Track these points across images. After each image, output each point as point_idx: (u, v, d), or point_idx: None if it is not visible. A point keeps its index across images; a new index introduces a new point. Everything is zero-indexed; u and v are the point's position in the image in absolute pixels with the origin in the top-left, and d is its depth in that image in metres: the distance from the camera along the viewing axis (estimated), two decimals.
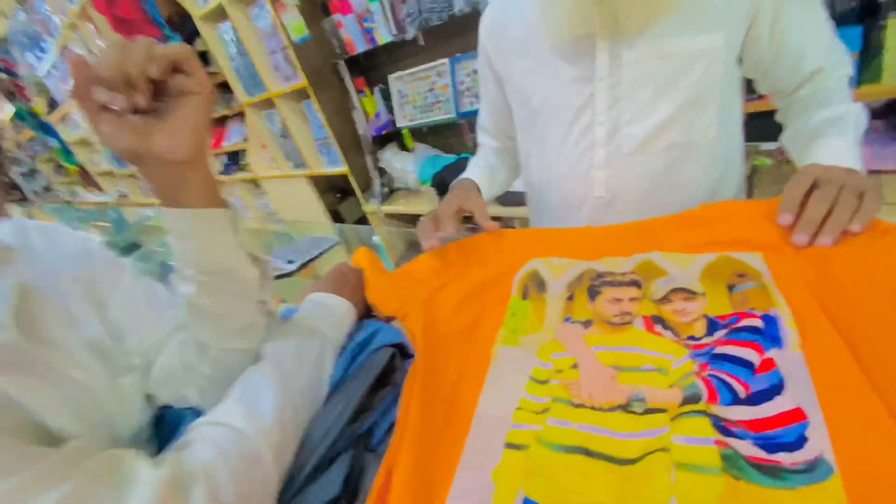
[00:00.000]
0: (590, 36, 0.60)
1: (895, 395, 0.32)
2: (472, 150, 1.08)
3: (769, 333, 0.40)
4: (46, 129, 4.57)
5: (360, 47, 1.82)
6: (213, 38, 2.23)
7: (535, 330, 0.52)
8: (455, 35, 1.65)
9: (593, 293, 0.53)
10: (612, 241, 0.59)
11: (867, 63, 1.06)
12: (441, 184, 1.91)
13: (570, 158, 0.70)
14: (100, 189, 5.02)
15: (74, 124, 4.29)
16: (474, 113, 0.91)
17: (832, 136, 0.57)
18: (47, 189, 5.77)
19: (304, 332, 0.49)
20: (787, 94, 0.66)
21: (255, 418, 0.39)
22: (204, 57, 2.57)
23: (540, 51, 0.67)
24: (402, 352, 0.50)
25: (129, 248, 2.27)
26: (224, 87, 2.55)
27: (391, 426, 0.41)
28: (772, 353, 0.38)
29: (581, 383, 0.43)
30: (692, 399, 0.37)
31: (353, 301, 0.57)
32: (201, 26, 2.21)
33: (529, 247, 0.64)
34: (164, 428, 0.48)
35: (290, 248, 1.07)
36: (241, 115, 2.65)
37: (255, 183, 2.95)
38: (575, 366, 0.45)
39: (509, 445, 0.40)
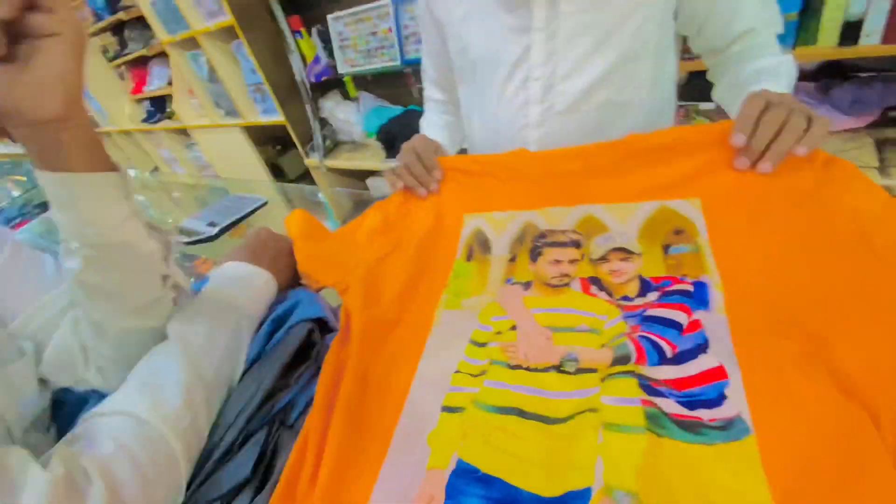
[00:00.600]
0: None
1: (827, 339, 0.33)
2: (419, 100, 1.02)
3: (698, 296, 0.41)
4: None
5: None
6: None
7: (478, 292, 0.51)
8: None
9: (535, 254, 0.53)
10: (552, 184, 0.57)
11: (804, 24, 1.09)
12: (388, 137, 1.82)
13: (505, 116, 0.69)
14: (12, 139, 4.42)
15: None
16: (420, 61, 0.85)
17: (766, 83, 0.57)
18: None
19: (217, 307, 0.45)
20: (719, 52, 0.66)
21: (159, 405, 0.35)
22: None
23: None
24: (324, 326, 0.47)
25: (44, 205, 2.04)
26: (141, 22, 2.25)
27: (309, 403, 0.39)
28: (699, 314, 0.39)
29: (517, 344, 0.43)
30: (622, 360, 0.38)
31: (273, 271, 0.52)
32: None
33: (471, 194, 0.62)
34: (65, 413, 0.43)
35: (211, 208, 0.96)
36: (163, 55, 2.36)
37: (184, 133, 2.69)
38: (513, 328, 0.45)
39: (446, 409, 0.40)
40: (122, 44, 2.58)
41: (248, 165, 2.38)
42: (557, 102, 0.64)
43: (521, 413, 0.37)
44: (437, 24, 0.73)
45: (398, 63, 1.72)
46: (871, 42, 1.02)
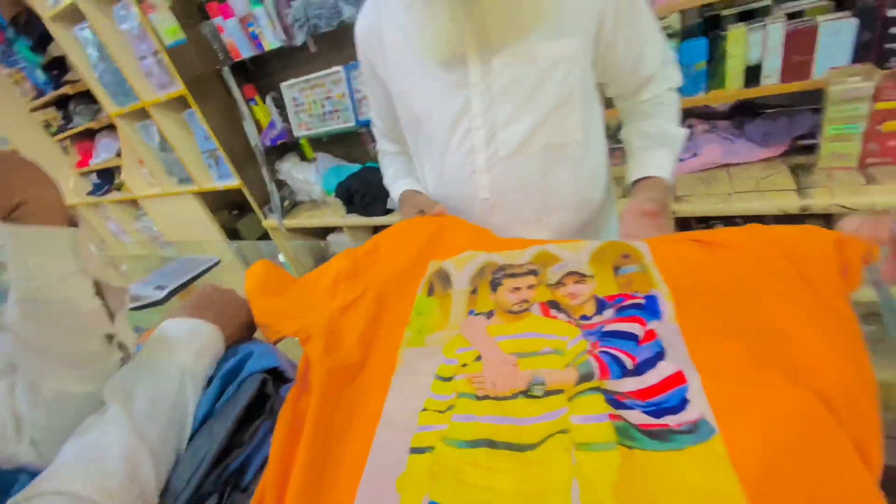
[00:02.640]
0: (458, 45, 0.63)
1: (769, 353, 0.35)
2: (375, 157, 1.05)
3: (650, 308, 0.42)
4: None
5: (245, 53, 1.70)
6: (69, 41, 1.96)
7: (441, 327, 0.51)
8: (347, 42, 1.60)
9: (495, 285, 0.53)
10: (509, 241, 0.62)
11: (713, 71, 1.23)
12: (347, 193, 1.84)
13: (454, 163, 0.73)
14: None
15: None
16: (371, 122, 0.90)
17: (661, 150, 0.72)
18: None
19: (157, 366, 0.42)
20: (628, 97, 0.76)
21: (101, 480, 0.32)
22: (61, 63, 2.24)
23: (416, 58, 0.68)
24: (279, 377, 0.45)
25: None
26: (87, 96, 2.24)
27: (265, 461, 0.36)
28: (653, 324, 0.40)
29: (484, 374, 0.42)
30: (586, 377, 0.38)
31: (219, 324, 0.50)
32: (53, 28, 1.93)
33: (438, 246, 0.63)
34: None
35: (160, 271, 0.91)
36: (111, 127, 2.34)
37: (133, 203, 2.62)
38: (478, 358, 0.44)
39: (414, 450, 0.38)
40: (67, 118, 2.54)
41: (203, 232, 2.32)
42: (501, 148, 0.69)
43: (492, 444, 0.36)
44: (380, 83, 0.77)
45: (353, 124, 1.78)
46: (771, 82, 1.17)
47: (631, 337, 0.40)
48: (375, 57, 0.74)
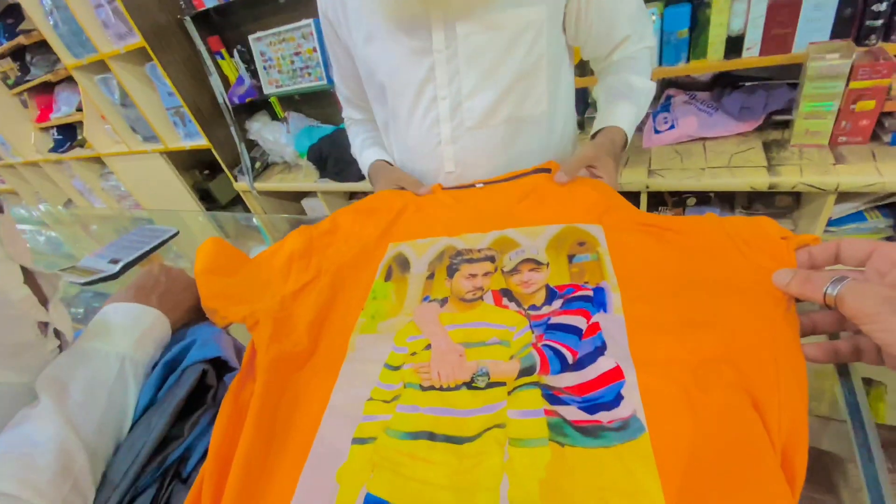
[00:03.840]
0: (421, 9, 0.60)
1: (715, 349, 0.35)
2: None
3: (597, 300, 0.42)
4: None
5: (209, 2, 1.58)
6: None
7: (395, 313, 0.50)
8: None
9: (452, 271, 0.53)
10: (470, 216, 0.61)
11: (695, 40, 1.19)
12: (320, 157, 1.79)
13: (419, 134, 0.71)
14: None
15: None
16: None
17: (623, 102, 0.70)
18: None
19: (95, 354, 0.40)
20: (602, 59, 0.74)
21: (29, 475, 0.31)
22: (16, 10, 2.06)
23: (378, 22, 0.65)
24: (224, 366, 0.44)
25: None
26: (44, 46, 2.08)
27: (207, 452, 0.36)
28: (598, 317, 0.41)
29: (431, 364, 0.42)
30: (528, 371, 0.38)
31: (163, 308, 0.48)
32: None
33: (396, 227, 0.62)
34: None
35: (115, 244, 0.86)
36: (71, 80, 2.19)
37: (98, 161, 2.50)
38: (428, 347, 0.44)
39: (357, 440, 0.38)
40: (24, 69, 2.37)
41: (172, 193, 2.24)
42: (466, 119, 0.66)
43: (432, 436, 0.36)
44: (342, 46, 0.73)
45: (325, 82, 1.70)
46: (751, 55, 1.14)
47: (574, 331, 0.40)
48: (337, 19, 0.69)
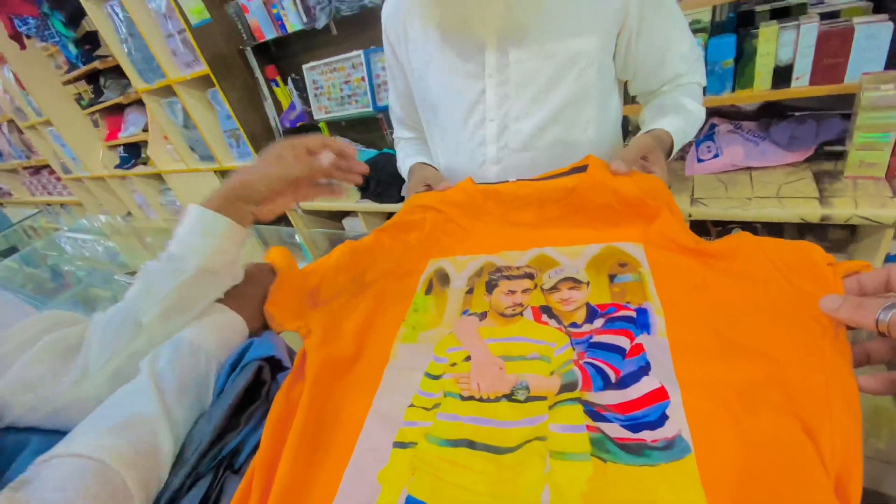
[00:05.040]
0: (476, 34, 0.63)
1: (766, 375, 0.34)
2: (391, 144, 1.06)
3: (640, 321, 0.42)
4: None
5: (268, 34, 1.71)
6: (101, 17, 2.00)
7: (435, 325, 0.52)
8: (368, 27, 1.61)
9: (491, 286, 0.54)
10: (509, 232, 0.62)
11: (741, 69, 1.19)
12: (362, 179, 1.85)
13: (465, 152, 0.73)
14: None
15: None
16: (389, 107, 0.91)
17: (669, 116, 0.69)
18: None
19: (192, 350, 0.44)
20: (650, 94, 0.75)
21: (124, 449, 0.34)
22: (93, 38, 2.29)
23: (436, 46, 0.69)
24: (277, 365, 0.46)
25: (7, 252, 1.97)
26: (117, 71, 2.29)
27: (258, 445, 0.38)
28: (641, 338, 0.41)
29: (470, 375, 0.43)
30: (569, 387, 0.39)
31: (249, 313, 0.53)
32: (86, 4, 1.97)
33: (436, 243, 0.64)
34: (2, 459, 0.40)
35: None
36: (139, 103, 2.39)
37: (158, 178, 2.69)
38: (468, 359, 0.45)
39: (398, 444, 0.39)
40: (98, 92, 2.61)
41: None
42: (512, 141, 0.69)
43: (472, 444, 0.37)
44: (401, 68, 0.78)
45: (371, 109, 1.78)
46: (801, 84, 1.12)
47: (617, 350, 0.40)
48: (398, 42, 0.75)
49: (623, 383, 0.37)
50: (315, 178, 0.58)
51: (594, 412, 0.36)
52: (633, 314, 0.43)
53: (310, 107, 1.94)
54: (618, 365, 0.39)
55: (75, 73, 2.51)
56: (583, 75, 0.65)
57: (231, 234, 0.51)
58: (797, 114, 1.26)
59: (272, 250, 0.63)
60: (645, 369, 0.38)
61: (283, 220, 2.33)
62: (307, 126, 2.02)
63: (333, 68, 1.81)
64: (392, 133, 0.97)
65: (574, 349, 0.42)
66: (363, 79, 1.76)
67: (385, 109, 1.76)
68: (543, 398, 0.39)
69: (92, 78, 2.59)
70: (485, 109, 0.68)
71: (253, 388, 0.43)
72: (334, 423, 0.42)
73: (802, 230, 1.28)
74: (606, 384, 0.38)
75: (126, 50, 2.05)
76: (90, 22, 2.07)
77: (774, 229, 1.31)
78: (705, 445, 0.32)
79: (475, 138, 0.71)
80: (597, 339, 0.42)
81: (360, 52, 1.71)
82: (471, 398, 0.41)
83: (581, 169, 0.62)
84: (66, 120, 2.74)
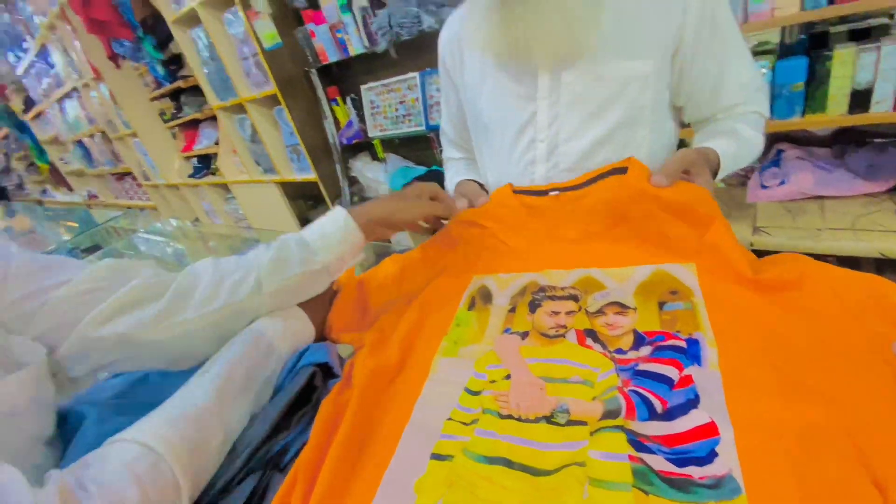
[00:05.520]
0: (530, 57, 0.64)
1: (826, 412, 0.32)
2: (441, 162, 1.09)
3: (691, 352, 0.41)
4: (21, 128, 4.44)
5: (332, 57, 1.82)
6: (186, 41, 2.20)
7: (476, 341, 0.52)
8: (425, 50, 1.67)
9: (534, 306, 0.54)
10: (554, 249, 0.62)
11: (812, 93, 1.12)
12: None
13: (514, 172, 0.74)
14: (69, 188, 4.86)
15: (47, 122, 4.15)
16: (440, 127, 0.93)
17: (727, 140, 0.65)
18: (19, 187, 5.57)
19: (265, 346, 0.47)
20: (705, 121, 0.72)
21: (179, 442, 0.37)
22: (178, 59, 2.53)
23: (490, 68, 0.71)
24: (328, 371, 0.48)
25: (91, 249, 2.18)
26: (196, 90, 2.51)
27: (303, 447, 0.40)
28: (691, 369, 0.39)
29: (510, 394, 0.43)
30: (612, 414, 0.38)
31: (316, 322, 0.55)
32: (174, 30, 2.18)
33: (480, 259, 0.65)
34: (68, 429, 0.44)
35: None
36: (213, 118, 2.60)
37: (225, 187, 2.89)
38: (508, 377, 0.45)
39: (435, 456, 0.39)
40: (178, 108, 2.86)
41: (280, 217, 2.52)
42: (562, 161, 0.69)
43: (509, 463, 0.37)
44: (455, 90, 0.80)
45: (423, 128, 1.84)
46: (881, 109, 1.04)
47: (665, 380, 0.39)
48: (454, 64, 0.77)
49: (670, 415, 0.36)
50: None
51: (638, 442, 0.35)
52: (683, 344, 0.42)
53: (365, 125, 2.03)
54: (665, 395, 0.38)
55: (161, 91, 2.78)
56: (636, 99, 0.64)
57: (357, 249, 0.57)
58: (877, 141, 1.16)
59: None
60: (694, 402, 0.36)
61: None
62: (362, 143, 2.12)
63: (390, 89, 1.89)
64: (441, 152, 1.00)
65: (619, 376, 0.41)
66: (417, 99, 1.82)
67: (436, 129, 1.81)
68: (584, 423, 0.38)
69: (174, 95, 2.86)
70: (535, 130, 0.69)
71: (305, 391, 0.45)
72: (376, 430, 0.43)
73: (882, 266, 1.17)
74: (652, 414, 0.36)
75: (205, 71, 2.25)
76: (177, 45, 2.30)
77: (848, 263, 1.21)
78: (759, 488, 0.30)
79: (525, 158, 0.71)
80: (643, 367, 0.41)
81: (416, 73, 1.77)
82: (509, 417, 0.41)
83: (621, 170, 0.61)
84: (149, 132, 3.03)
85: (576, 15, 0.60)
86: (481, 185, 0.82)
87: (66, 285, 0.43)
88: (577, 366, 0.44)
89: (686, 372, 0.39)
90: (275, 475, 0.39)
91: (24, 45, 3.50)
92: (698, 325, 0.43)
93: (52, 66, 3.42)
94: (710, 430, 0.34)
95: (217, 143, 2.70)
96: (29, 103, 4.19)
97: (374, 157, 2.22)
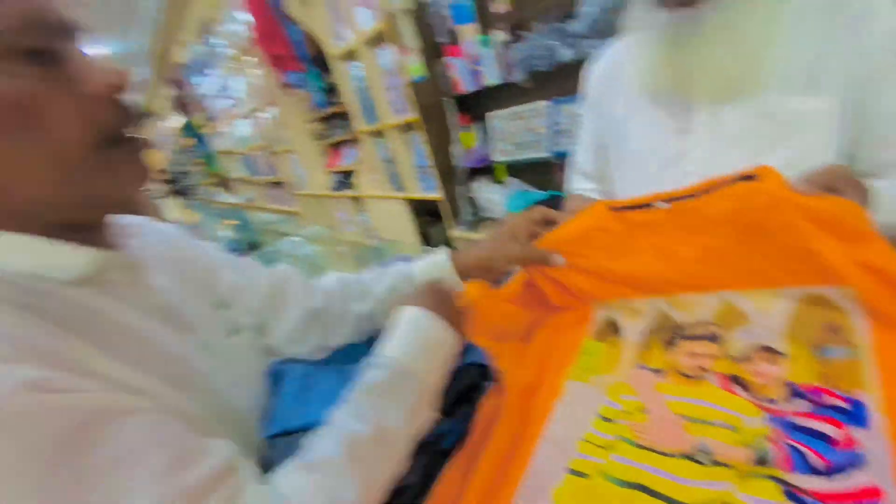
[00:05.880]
0: (689, 91, 0.62)
1: None
2: (561, 188, 1.11)
3: (855, 414, 0.38)
4: (201, 139, 5.50)
5: (467, 87, 1.96)
6: (343, 73, 2.55)
7: (606, 371, 0.53)
8: (557, 80, 1.72)
9: (669, 344, 0.53)
10: (681, 269, 0.56)
11: None
12: None
13: None
14: (233, 192, 5.85)
15: (224, 137, 5.08)
16: (566, 154, 0.94)
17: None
18: (195, 188, 6.87)
19: (414, 389, 0.45)
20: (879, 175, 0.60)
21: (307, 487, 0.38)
22: (334, 89, 2.94)
23: (642, 100, 0.70)
24: (485, 373, 0.54)
25: (252, 246, 2.63)
26: (345, 115, 2.87)
27: (460, 435, 0.46)
28: (855, 431, 0.37)
29: (647, 427, 0.45)
30: (762, 461, 0.38)
31: (458, 328, 0.51)
32: (334, 63, 2.54)
33: (599, 278, 0.61)
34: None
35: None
36: (356, 140, 2.95)
37: (359, 200, 3.24)
38: (643, 410, 0.47)
39: (572, 471, 0.43)
40: (330, 130, 3.30)
41: (403, 230, 2.75)
42: None
43: (648, 491, 0.39)
44: (599, 117, 0.81)
45: (548, 154, 1.88)
46: None
47: (824, 437, 0.37)
48: (602, 95, 0.78)
49: (828, 472, 0.35)
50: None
51: (793, 495, 0.34)
52: (845, 405, 0.39)
53: (489, 149, 2.14)
54: (824, 453, 0.36)
55: (317, 115, 3.23)
56: (806, 138, 0.58)
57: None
58: None
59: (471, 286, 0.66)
60: (857, 464, 0.35)
61: (448, 246, 2.57)
62: (485, 167, 2.23)
63: (518, 116, 1.97)
64: (564, 182, 1.00)
65: (769, 426, 0.40)
66: (544, 127, 1.87)
67: (561, 155, 1.83)
68: (729, 465, 0.38)
69: (327, 119, 3.30)
70: (685, 165, 0.66)
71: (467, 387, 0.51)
72: (516, 438, 0.48)
73: None
74: (810, 469, 0.36)
75: (356, 100, 2.57)
76: (334, 76, 2.67)
77: None
78: None
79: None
80: (799, 422, 0.39)
81: (547, 102, 1.83)
82: (647, 448, 0.43)
83: (749, 177, 0.52)
84: (304, 150, 3.53)
85: (748, 48, 0.57)
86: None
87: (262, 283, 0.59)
88: (721, 409, 0.43)
89: (849, 432, 0.37)
90: (437, 456, 0.46)
91: (212, 71, 4.31)
92: (861, 382, 0.40)
93: (232, 90, 4.18)
94: (872, 493, 0.33)
95: (357, 162, 3.04)
96: (210, 120, 5.14)
97: (495, 180, 2.32)
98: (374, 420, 0.41)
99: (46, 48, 0.34)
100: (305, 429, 0.42)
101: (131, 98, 0.39)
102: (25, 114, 0.33)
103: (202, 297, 0.53)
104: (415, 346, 0.47)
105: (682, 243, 0.55)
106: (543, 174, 2.10)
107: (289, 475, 0.38)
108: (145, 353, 0.41)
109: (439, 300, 0.51)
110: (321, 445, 0.40)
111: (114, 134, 0.38)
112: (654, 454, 0.42)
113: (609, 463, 0.43)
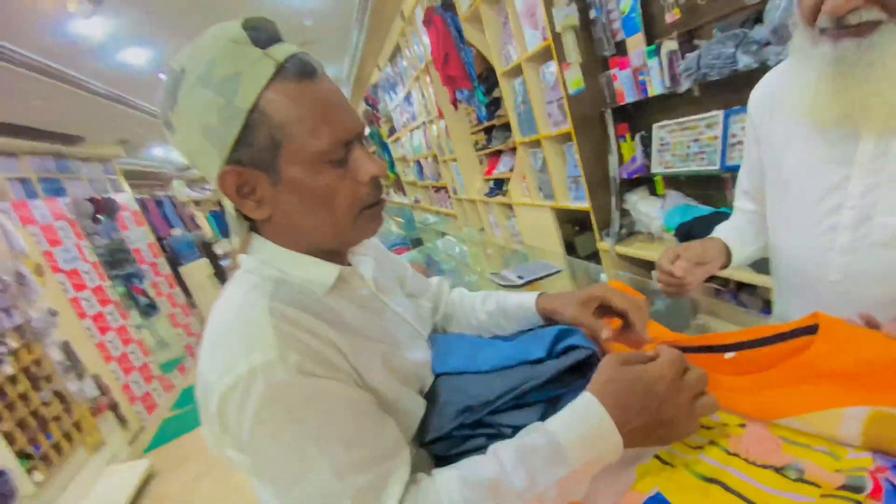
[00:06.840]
0: (854, 123, 0.60)
1: None
2: (730, 204, 1.06)
3: None
4: (384, 147, 6.41)
5: (630, 98, 1.93)
6: (507, 89, 2.73)
7: None
8: (733, 89, 1.58)
9: None
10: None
11: None
12: (688, 235, 1.82)
13: (811, 236, 0.69)
14: (404, 193, 6.66)
15: (401, 146, 5.85)
16: (737, 168, 0.92)
17: None
18: None
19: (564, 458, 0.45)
20: None
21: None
22: (497, 103, 3.16)
23: (802, 128, 0.68)
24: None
25: (415, 242, 3.01)
26: (505, 127, 3.06)
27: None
28: None
29: (741, 440, 0.47)
30: (853, 489, 0.38)
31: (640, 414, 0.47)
32: (501, 80, 2.74)
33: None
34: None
35: (523, 266, 1.29)
36: (513, 150, 3.11)
37: (509, 206, 3.40)
38: (742, 425, 0.49)
39: (658, 457, 0.49)
40: (489, 140, 3.54)
41: (547, 238, 2.80)
42: (875, 233, 0.62)
43: (727, 487, 0.43)
44: (757, 140, 0.80)
45: (717, 167, 1.73)
46: None
47: None
48: (762, 120, 0.77)
49: None
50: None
51: None
52: None
53: (650, 160, 2.05)
54: None
55: (479, 127, 3.50)
56: None
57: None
58: None
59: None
60: None
61: (593, 258, 2.53)
62: (642, 178, 2.14)
63: (685, 127, 1.86)
64: (732, 191, 0.97)
65: (874, 460, 0.40)
66: (716, 137, 1.73)
67: (731, 169, 1.67)
68: (816, 485, 0.40)
69: (487, 130, 3.54)
70: (844, 195, 0.64)
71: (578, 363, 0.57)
72: None
73: None
74: None
75: (517, 112, 2.73)
76: (499, 91, 2.87)
77: None
78: None
79: (824, 223, 0.67)
80: None
81: (720, 112, 1.69)
82: (736, 455, 0.46)
83: (810, 330, 0.50)
84: (465, 158, 3.85)
85: None
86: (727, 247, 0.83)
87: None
88: (826, 436, 0.44)
89: None
90: (550, 411, 0.52)
91: (397, 88, 5.01)
92: None
93: (412, 105, 4.77)
94: None
95: (511, 171, 3.20)
96: (392, 131, 5.95)
97: (652, 192, 2.21)
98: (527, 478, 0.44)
99: (344, 158, 0.51)
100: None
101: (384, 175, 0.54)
102: (325, 198, 0.50)
103: (399, 291, 0.71)
104: (576, 432, 0.47)
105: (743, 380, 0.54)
106: (708, 188, 1.94)
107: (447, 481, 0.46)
108: (372, 351, 0.54)
109: (620, 389, 0.48)
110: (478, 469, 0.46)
111: (370, 203, 0.54)
112: (742, 461, 0.45)
113: (695, 460, 0.47)
